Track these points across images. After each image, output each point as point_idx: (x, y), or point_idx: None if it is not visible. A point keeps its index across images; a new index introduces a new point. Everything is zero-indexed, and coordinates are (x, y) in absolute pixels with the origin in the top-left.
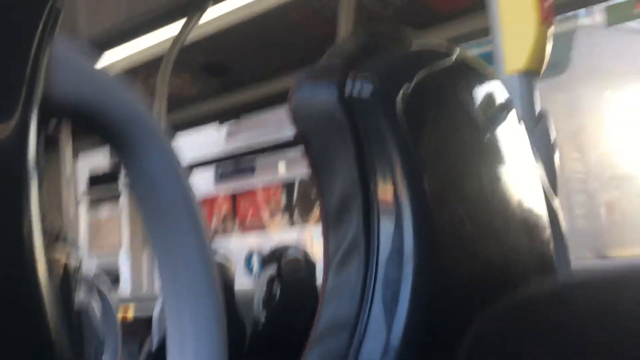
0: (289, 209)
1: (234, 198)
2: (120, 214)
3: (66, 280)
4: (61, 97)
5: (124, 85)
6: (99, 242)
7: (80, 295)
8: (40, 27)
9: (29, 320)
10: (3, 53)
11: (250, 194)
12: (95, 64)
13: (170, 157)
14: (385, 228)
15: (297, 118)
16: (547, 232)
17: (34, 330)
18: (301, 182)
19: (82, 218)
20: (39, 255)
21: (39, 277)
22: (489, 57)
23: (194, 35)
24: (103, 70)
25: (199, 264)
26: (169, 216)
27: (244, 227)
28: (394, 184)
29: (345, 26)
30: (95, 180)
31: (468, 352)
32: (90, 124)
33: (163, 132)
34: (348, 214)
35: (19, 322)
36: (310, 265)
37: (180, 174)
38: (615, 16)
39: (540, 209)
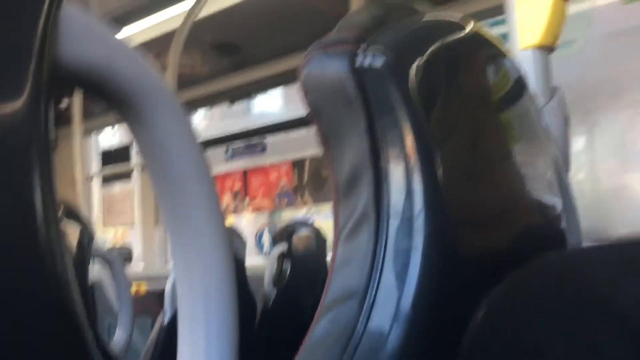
0: (299, 187)
1: (245, 176)
2: (133, 190)
3: (79, 255)
4: (72, 62)
5: (137, 52)
6: (112, 219)
7: (94, 271)
8: None
9: (50, 297)
10: (10, 18)
11: (262, 171)
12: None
13: (186, 127)
14: (396, 199)
15: (308, 91)
16: (560, 207)
17: (53, 306)
18: (312, 161)
19: (95, 194)
20: (53, 232)
21: (55, 254)
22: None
23: (205, 13)
24: (116, 35)
25: (211, 238)
26: (182, 188)
27: (255, 205)
28: (405, 156)
29: (357, 3)
30: (108, 157)
31: (479, 322)
32: (103, 90)
33: (178, 101)
34: (358, 185)
35: (38, 299)
36: (321, 242)
37: (195, 145)
38: None
39: (552, 185)
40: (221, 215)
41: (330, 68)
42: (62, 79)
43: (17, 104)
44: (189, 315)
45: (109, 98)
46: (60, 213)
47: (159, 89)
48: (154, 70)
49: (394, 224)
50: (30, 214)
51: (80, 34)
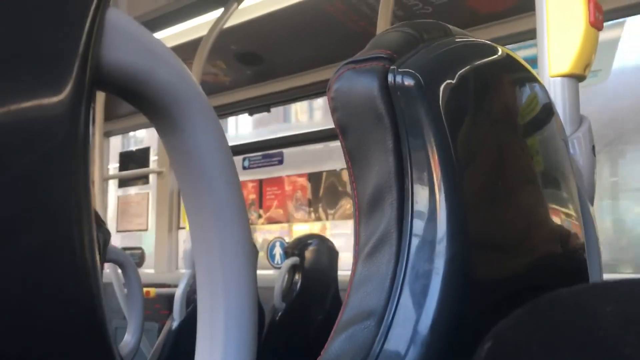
0: (314, 202)
1: (260, 187)
2: (148, 194)
3: None
4: (115, 65)
5: (175, 56)
6: (127, 221)
7: (105, 272)
8: None
9: (79, 295)
10: (58, 18)
11: (277, 184)
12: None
13: (218, 134)
14: (419, 220)
15: (336, 106)
16: (582, 239)
17: (82, 304)
18: (328, 175)
19: (111, 196)
20: (89, 229)
21: (88, 252)
22: (528, 62)
23: (230, 23)
24: (156, 38)
25: (236, 245)
26: (211, 195)
27: (269, 217)
28: (430, 177)
29: (383, 22)
30: (126, 160)
31: (484, 355)
32: (141, 94)
33: (212, 109)
34: (381, 204)
35: (71, 297)
36: (333, 257)
37: (226, 152)
38: None
39: (575, 216)
40: (247, 223)
41: (360, 85)
42: (104, 82)
43: (60, 101)
44: (209, 320)
45: (146, 104)
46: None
47: (196, 95)
48: (191, 76)
49: (415, 245)
50: (68, 209)
51: (125, 39)
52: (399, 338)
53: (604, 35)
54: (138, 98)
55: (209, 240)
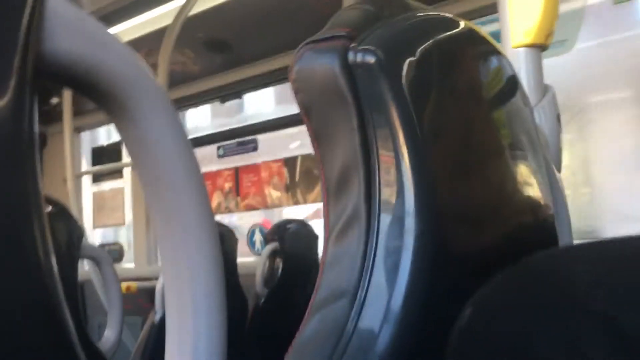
0: (291, 186)
1: (236, 174)
2: (124, 188)
3: (69, 254)
4: (59, 57)
5: (127, 47)
6: (103, 216)
7: (84, 269)
8: None
9: (33, 295)
10: None
11: (253, 170)
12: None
13: (175, 125)
14: (387, 198)
15: (299, 88)
16: (551, 208)
17: (36, 304)
18: (303, 160)
19: (85, 192)
20: (38, 229)
21: (39, 252)
22: (493, 36)
23: (196, 10)
24: (105, 28)
25: (200, 235)
26: (170, 186)
27: (247, 204)
28: (396, 154)
29: (349, 3)
30: (99, 155)
31: (464, 323)
32: (90, 86)
33: (167, 98)
34: (349, 184)
35: (23, 297)
36: (312, 240)
37: (184, 142)
38: None
39: (544, 186)
40: (210, 213)
41: (321, 64)
42: (48, 73)
43: (1, 99)
44: (177, 313)
45: (96, 94)
46: (47, 210)
47: (149, 85)
48: (144, 65)
49: (384, 223)
50: (14, 210)
51: (67, 28)
52: (372, 316)
53: (568, 5)
54: (87, 88)
55: (172, 233)
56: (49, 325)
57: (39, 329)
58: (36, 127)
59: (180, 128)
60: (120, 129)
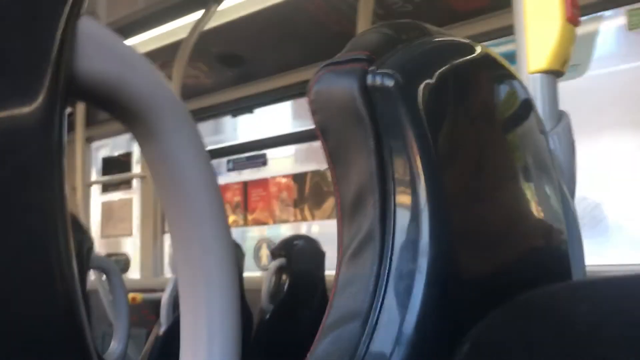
0: (299, 202)
1: (245, 189)
2: (132, 199)
3: (79, 264)
4: (88, 73)
5: (150, 64)
6: (112, 226)
7: (90, 279)
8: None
9: (56, 302)
10: (30, 28)
11: (262, 185)
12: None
13: (196, 140)
14: (401, 221)
15: (316, 108)
16: (564, 234)
17: (59, 311)
18: (313, 176)
19: (94, 202)
20: (65, 237)
21: (65, 260)
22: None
23: (211, 25)
24: (133, 49)
25: (218, 252)
26: (189, 200)
27: (255, 219)
28: (412, 177)
29: (363, 21)
30: (109, 165)
31: (466, 352)
32: (115, 102)
33: (189, 114)
34: (364, 205)
35: (47, 304)
36: (319, 257)
37: (204, 157)
38: (637, 19)
39: (557, 211)
40: (227, 227)
41: (340, 86)
42: (78, 91)
43: (33, 109)
44: (192, 325)
45: (123, 112)
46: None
47: (175, 105)
48: (166, 83)
49: (398, 245)
50: (42, 220)
51: (98, 48)
52: (384, 339)
53: (581, 30)
54: (113, 106)
55: (189, 246)
56: (70, 332)
57: (61, 336)
58: (64, 140)
59: (201, 145)
60: (143, 146)
